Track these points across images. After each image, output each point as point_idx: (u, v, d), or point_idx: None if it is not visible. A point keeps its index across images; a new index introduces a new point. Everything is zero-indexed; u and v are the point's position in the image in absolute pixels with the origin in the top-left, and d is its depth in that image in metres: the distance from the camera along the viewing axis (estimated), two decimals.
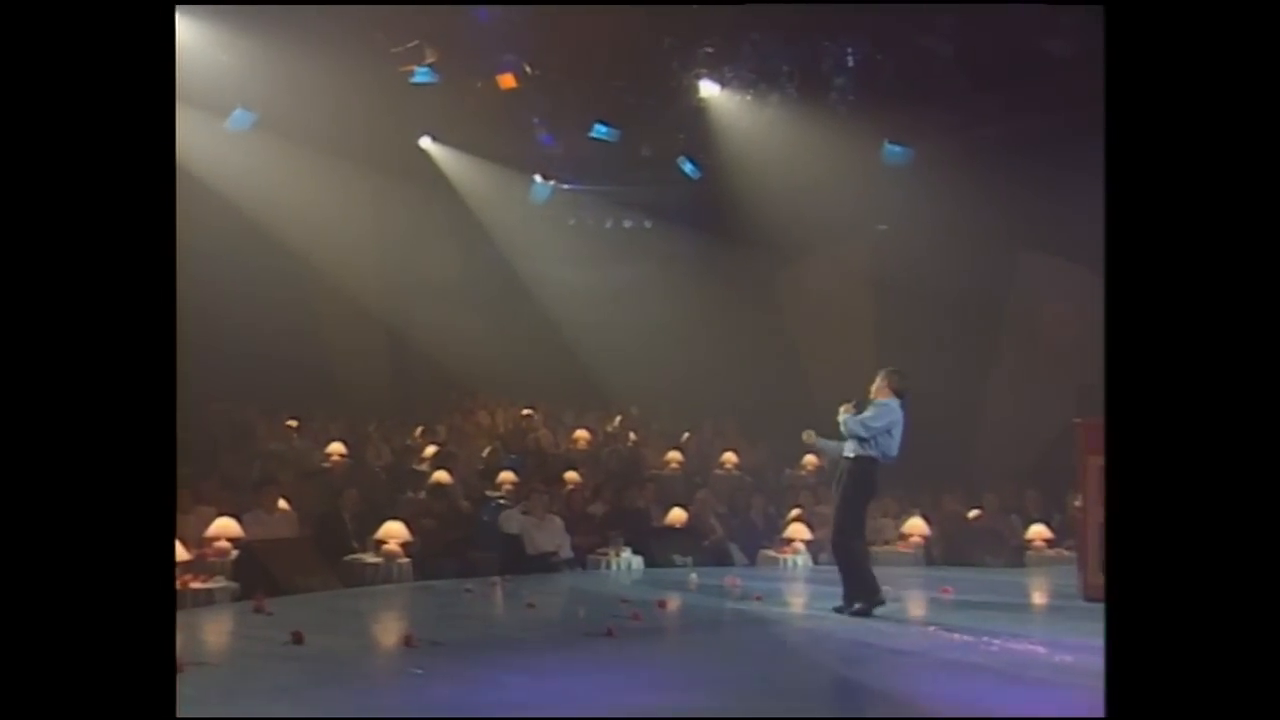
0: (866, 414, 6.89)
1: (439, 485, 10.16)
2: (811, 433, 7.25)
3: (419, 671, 5.12)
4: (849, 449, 6.96)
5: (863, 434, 6.86)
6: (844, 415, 6.97)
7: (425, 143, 13.60)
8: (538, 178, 14.35)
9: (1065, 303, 11.81)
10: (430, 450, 11.60)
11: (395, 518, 8.70)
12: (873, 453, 6.89)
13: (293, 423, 12.35)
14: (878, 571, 7.10)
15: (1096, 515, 7.73)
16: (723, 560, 10.06)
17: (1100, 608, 6.90)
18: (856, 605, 6.84)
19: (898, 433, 6.91)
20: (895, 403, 6.94)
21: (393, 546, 8.43)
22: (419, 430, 12.80)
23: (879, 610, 6.82)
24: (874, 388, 7.05)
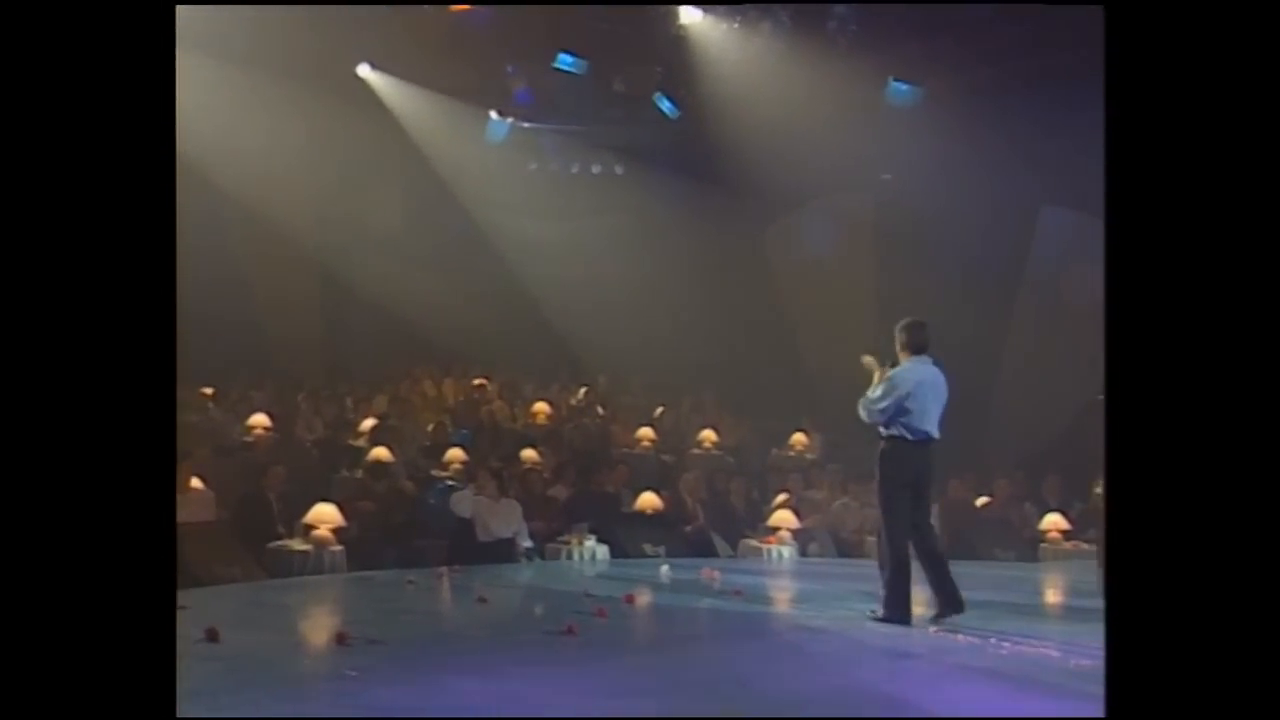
0: (871, 393, 6.65)
1: (378, 463, 10.13)
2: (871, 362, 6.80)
3: (353, 673, 5.09)
4: (880, 428, 6.72)
5: (876, 419, 6.62)
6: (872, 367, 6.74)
7: (364, 71, 13.42)
8: (493, 114, 14.21)
9: (1091, 264, 11.85)
10: (369, 423, 11.56)
11: (327, 499, 8.67)
12: (895, 431, 6.60)
13: (208, 390, 12.23)
14: (874, 565, 7.06)
15: None
16: (700, 550, 10.10)
17: None
18: (881, 612, 6.62)
19: (923, 402, 6.55)
20: (912, 365, 6.64)
21: (324, 532, 8.41)
22: (355, 400, 12.73)
23: (875, 605, 6.81)
24: (897, 346, 6.76)
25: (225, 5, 10.41)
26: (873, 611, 6.69)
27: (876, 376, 6.70)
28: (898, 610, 6.55)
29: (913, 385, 6.59)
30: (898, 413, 6.57)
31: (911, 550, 6.65)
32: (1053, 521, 10.49)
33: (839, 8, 12.19)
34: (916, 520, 6.71)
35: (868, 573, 7.23)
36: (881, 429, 6.66)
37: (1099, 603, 7.57)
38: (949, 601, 6.57)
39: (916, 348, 6.70)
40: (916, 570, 6.66)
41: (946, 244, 12.70)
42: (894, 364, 6.72)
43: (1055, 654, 5.91)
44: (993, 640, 6.17)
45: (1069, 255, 12.47)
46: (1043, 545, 10.47)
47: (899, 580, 6.58)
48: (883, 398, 6.60)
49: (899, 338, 6.75)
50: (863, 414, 6.72)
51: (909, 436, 6.60)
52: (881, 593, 6.68)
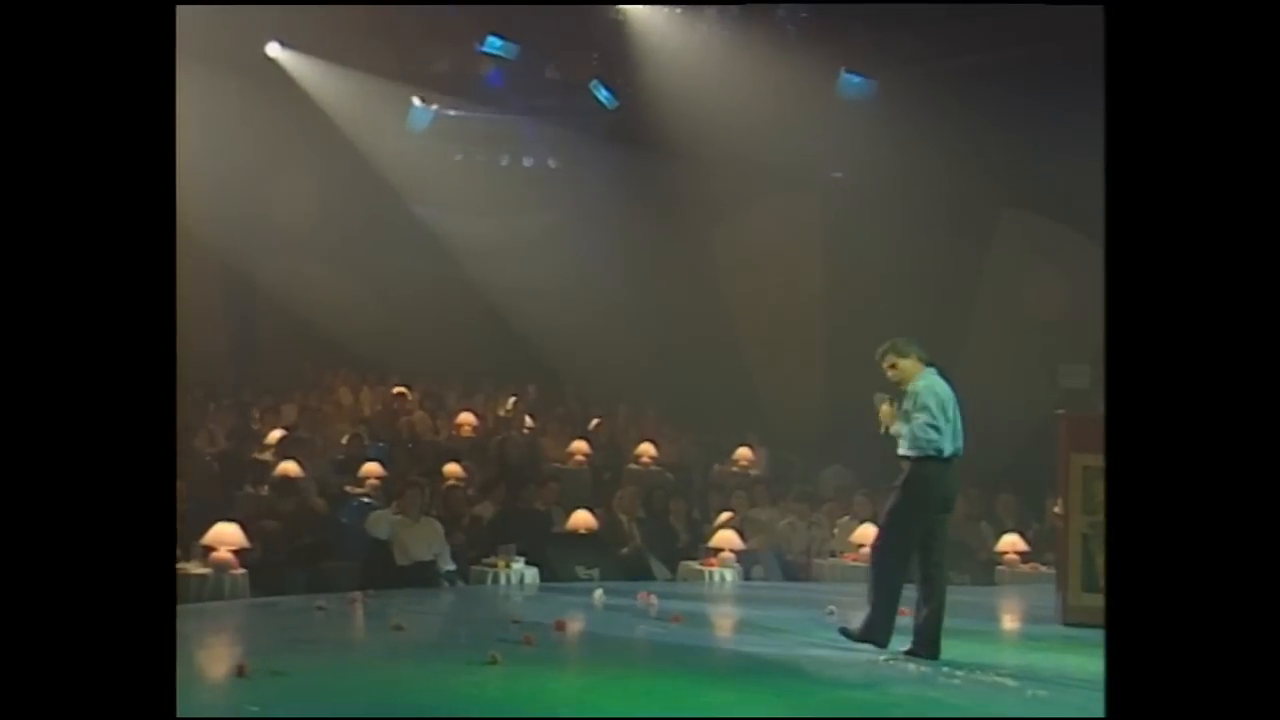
0: (918, 419, 6.40)
1: (286, 479, 10.03)
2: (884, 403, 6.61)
3: (254, 709, 5.03)
4: (902, 446, 6.56)
5: (924, 448, 6.39)
6: (888, 419, 6.52)
7: (273, 50, 13.27)
8: (415, 100, 14.12)
9: (1052, 271, 12.09)
10: (276, 435, 11.42)
11: (229, 518, 8.57)
12: (928, 451, 6.44)
13: None
14: (822, 587, 7.12)
15: (1079, 524, 7.94)
16: (637, 573, 10.10)
17: (1081, 635, 7.05)
18: (856, 629, 6.63)
19: (954, 415, 6.51)
20: (933, 377, 6.55)
21: (225, 554, 8.31)
22: (262, 410, 12.57)
23: (822, 636, 6.86)
24: (902, 365, 6.57)
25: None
26: (844, 630, 6.70)
27: (886, 409, 6.57)
28: (880, 634, 6.54)
29: (946, 397, 6.52)
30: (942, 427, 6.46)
31: (918, 579, 6.61)
32: (1009, 542, 10.63)
33: None
34: (934, 551, 6.61)
35: (815, 597, 7.30)
36: (906, 448, 6.50)
37: (1057, 629, 7.78)
38: (930, 645, 6.51)
39: (928, 360, 6.63)
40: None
41: (900, 247, 12.85)
42: (900, 383, 6.58)
43: (1010, 683, 5.98)
44: (944, 669, 6.23)
45: (1028, 261, 12.69)
46: (999, 568, 10.60)
47: (891, 605, 6.56)
48: (934, 419, 6.40)
49: (912, 351, 6.61)
50: (922, 445, 6.42)
51: (944, 455, 6.48)
52: (863, 612, 6.64)
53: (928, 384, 6.54)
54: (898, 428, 6.51)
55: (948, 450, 6.48)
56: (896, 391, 6.61)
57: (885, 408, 6.59)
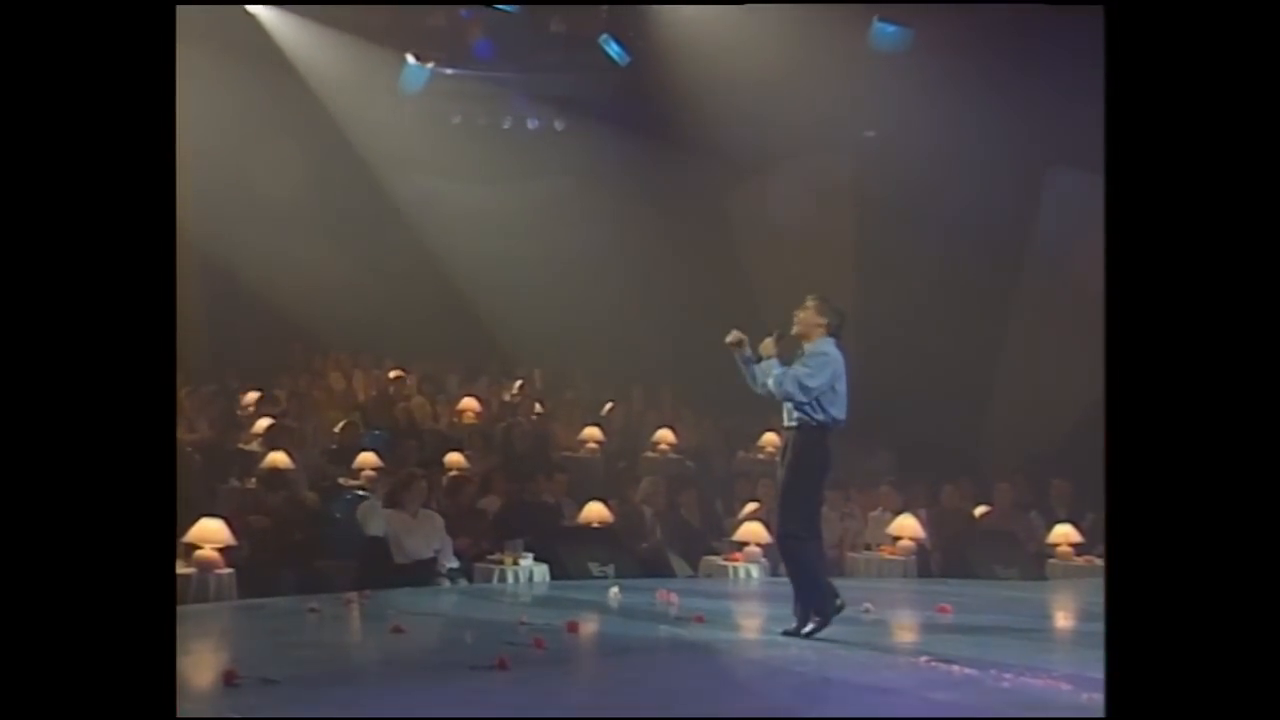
0: (801, 369, 6.86)
1: (274, 471, 10.09)
2: (738, 335, 7.07)
3: None
4: (787, 415, 6.97)
5: (802, 398, 6.85)
6: (769, 358, 6.92)
7: (254, 5, 13.27)
8: (410, 58, 14.09)
9: (1103, 236, 11.99)
10: (264, 424, 11.47)
11: (213, 514, 8.59)
12: (819, 417, 6.87)
13: None
14: (857, 583, 7.16)
15: None
16: (656, 569, 10.12)
17: None
18: (809, 625, 6.93)
19: (842, 386, 6.93)
20: (832, 344, 6.96)
21: (209, 552, 8.34)
22: (249, 397, 12.61)
23: (857, 636, 6.88)
24: (801, 319, 7.00)
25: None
26: (789, 630, 7.02)
27: (769, 341, 6.95)
28: (825, 613, 6.93)
29: (840, 366, 6.94)
30: (822, 395, 6.86)
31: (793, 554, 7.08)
32: (1062, 534, 10.61)
33: None
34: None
35: (848, 594, 7.29)
36: (795, 414, 6.90)
37: None
38: (822, 613, 6.96)
39: (837, 330, 7.03)
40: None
41: (937, 212, 12.78)
42: (782, 336, 6.99)
43: (1065, 687, 5.97)
44: (992, 672, 6.22)
45: (1079, 225, 12.58)
46: (1051, 561, 10.59)
47: (818, 581, 7.03)
48: (816, 374, 6.85)
49: (828, 315, 7.01)
50: (788, 389, 6.85)
51: (830, 426, 6.93)
52: (799, 606, 7.05)
53: (831, 351, 6.93)
54: (767, 366, 6.89)
55: (831, 416, 6.88)
56: (789, 333, 7.01)
57: (769, 340, 6.97)
